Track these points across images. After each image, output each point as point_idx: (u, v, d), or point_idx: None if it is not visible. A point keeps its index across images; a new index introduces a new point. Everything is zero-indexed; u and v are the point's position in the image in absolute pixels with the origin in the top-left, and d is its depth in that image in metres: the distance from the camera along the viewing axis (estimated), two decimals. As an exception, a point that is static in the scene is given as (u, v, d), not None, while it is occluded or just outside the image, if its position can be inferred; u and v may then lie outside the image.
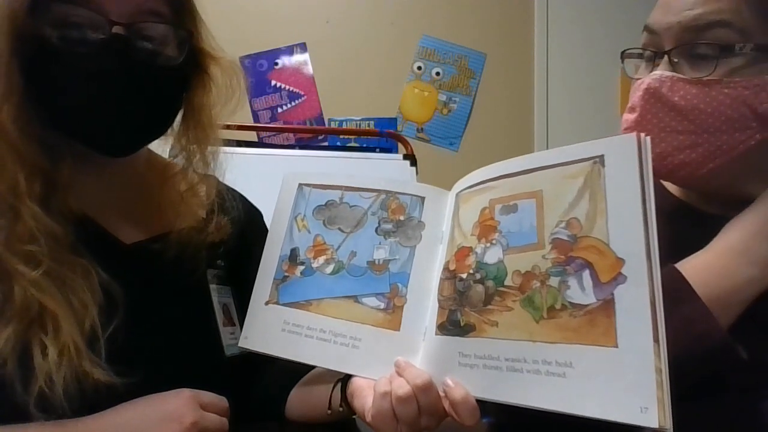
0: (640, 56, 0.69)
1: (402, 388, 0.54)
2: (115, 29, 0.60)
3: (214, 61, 0.71)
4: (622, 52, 0.70)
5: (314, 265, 0.67)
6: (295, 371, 0.74)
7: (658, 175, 0.64)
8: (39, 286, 0.57)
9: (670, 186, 0.73)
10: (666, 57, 0.63)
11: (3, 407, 0.55)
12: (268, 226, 0.84)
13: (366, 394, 0.59)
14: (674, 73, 0.62)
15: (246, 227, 0.81)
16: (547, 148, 0.62)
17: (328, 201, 0.70)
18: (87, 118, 0.61)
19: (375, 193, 0.68)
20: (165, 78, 0.65)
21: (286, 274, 0.69)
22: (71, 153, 0.64)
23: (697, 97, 0.60)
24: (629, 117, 0.65)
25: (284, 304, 0.67)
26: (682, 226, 0.67)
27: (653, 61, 0.65)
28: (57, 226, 0.59)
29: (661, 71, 0.62)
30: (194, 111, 0.72)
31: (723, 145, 0.61)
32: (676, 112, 0.61)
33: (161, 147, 0.76)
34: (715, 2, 0.60)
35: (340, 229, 0.68)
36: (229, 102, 0.74)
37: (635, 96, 0.64)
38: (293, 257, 0.69)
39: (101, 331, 0.59)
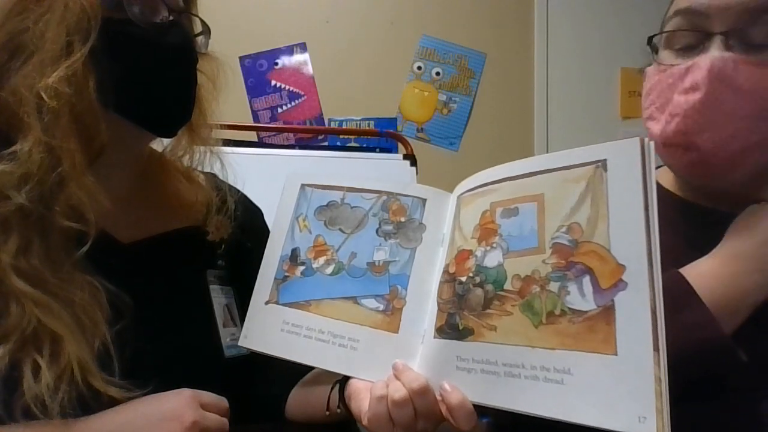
0: (662, 45, 0.66)
1: (398, 391, 0.54)
2: (173, 15, 0.65)
3: (201, 56, 0.73)
4: (650, 38, 0.66)
5: (314, 266, 0.67)
6: (295, 371, 0.74)
7: (707, 166, 0.61)
8: (49, 309, 0.56)
9: (667, 183, 0.72)
10: (720, 39, 0.59)
11: None
12: (268, 226, 0.85)
13: (363, 397, 0.59)
14: (737, 55, 0.58)
15: (246, 226, 0.80)
16: (547, 148, 0.62)
17: (330, 202, 0.70)
18: (148, 95, 0.64)
19: (376, 195, 0.68)
20: (196, 64, 0.69)
21: (287, 274, 0.69)
22: None
23: (761, 81, 0.57)
24: (691, 98, 0.60)
25: (284, 304, 0.67)
26: (682, 223, 0.67)
27: (702, 44, 0.61)
28: (62, 225, 0.59)
29: (720, 52, 0.58)
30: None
31: None
32: (740, 95, 0.58)
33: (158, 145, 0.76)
34: None
35: (341, 229, 0.68)
36: (218, 98, 0.75)
37: (698, 75, 0.59)
38: (294, 257, 0.69)
39: (113, 347, 0.59)
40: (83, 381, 0.56)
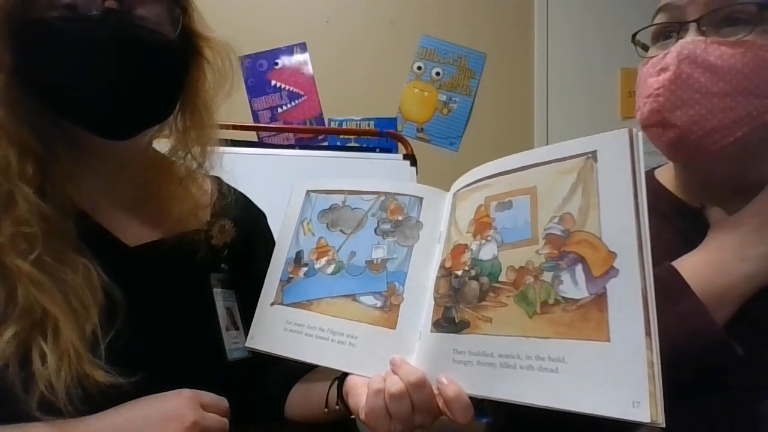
0: (650, 42, 0.68)
1: (395, 385, 0.54)
2: (108, 3, 0.59)
3: (206, 41, 0.71)
4: (634, 34, 0.69)
5: (317, 266, 0.68)
6: (295, 371, 0.74)
7: (686, 143, 0.63)
8: (40, 286, 0.56)
9: (666, 182, 0.73)
10: (694, 26, 0.62)
11: (6, 411, 0.54)
12: (270, 227, 0.85)
13: (360, 392, 0.59)
14: (709, 37, 0.60)
15: (249, 230, 0.81)
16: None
17: (332, 205, 0.71)
18: (83, 97, 0.60)
19: (375, 195, 0.69)
20: (161, 57, 0.64)
21: (291, 275, 0.70)
22: (67, 141, 0.64)
23: (734, 57, 0.59)
24: (661, 77, 0.62)
25: (287, 305, 0.68)
26: (678, 220, 0.67)
27: (677, 33, 0.63)
28: (54, 213, 0.59)
29: (692, 37, 0.61)
30: (192, 95, 0.71)
31: (754, 111, 0.59)
32: (712, 72, 0.60)
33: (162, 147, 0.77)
34: None
35: (341, 230, 0.69)
36: (224, 85, 0.73)
37: (668, 57, 0.62)
38: (298, 259, 0.70)
39: (102, 333, 0.59)
40: (78, 362, 0.56)
